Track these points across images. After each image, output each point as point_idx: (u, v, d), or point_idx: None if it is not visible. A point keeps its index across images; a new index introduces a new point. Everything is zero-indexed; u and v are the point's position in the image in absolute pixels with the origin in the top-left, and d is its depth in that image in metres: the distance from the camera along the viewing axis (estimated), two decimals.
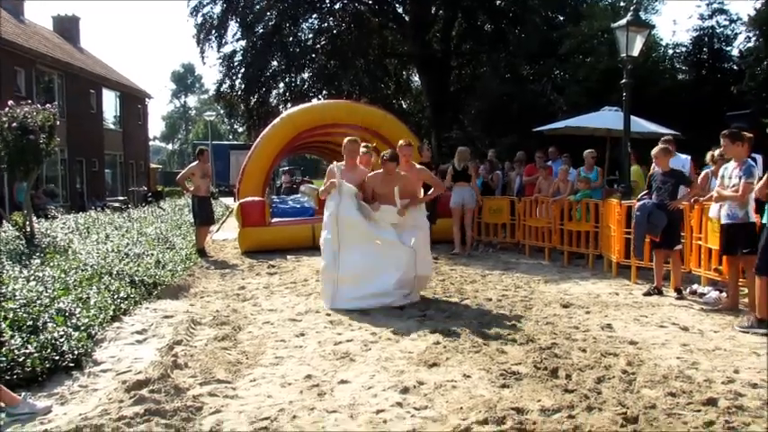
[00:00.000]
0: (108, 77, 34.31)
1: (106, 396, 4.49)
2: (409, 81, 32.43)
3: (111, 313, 6.75)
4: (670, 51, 22.16)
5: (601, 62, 19.21)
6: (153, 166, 47.95)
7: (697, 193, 8.15)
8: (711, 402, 4.19)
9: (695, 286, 8.14)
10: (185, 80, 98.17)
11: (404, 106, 31.26)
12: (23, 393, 4.40)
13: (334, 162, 8.13)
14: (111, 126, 35.57)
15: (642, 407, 4.10)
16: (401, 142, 8.34)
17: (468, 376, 4.85)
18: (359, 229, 7.49)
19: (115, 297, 7.24)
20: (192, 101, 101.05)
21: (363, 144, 8.38)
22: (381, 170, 7.77)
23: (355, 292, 7.35)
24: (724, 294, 7.63)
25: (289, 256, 11.93)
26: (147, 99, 41.12)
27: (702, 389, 4.47)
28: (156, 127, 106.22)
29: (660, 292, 8.03)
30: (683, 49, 22.03)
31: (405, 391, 4.54)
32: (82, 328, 5.77)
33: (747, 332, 6.15)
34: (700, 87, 20.09)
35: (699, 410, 4.07)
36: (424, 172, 8.37)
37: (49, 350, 5.07)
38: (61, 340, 5.27)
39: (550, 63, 21.73)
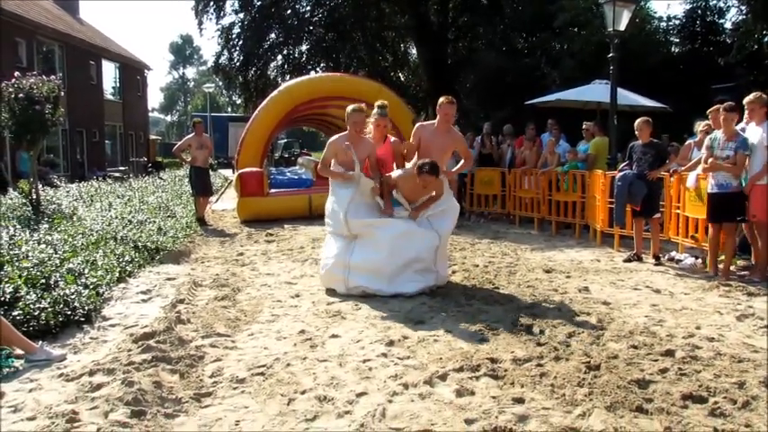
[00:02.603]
0: (107, 48, 34.40)
1: (116, 346, 4.88)
2: (407, 54, 32.51)
3: (117, 275, 7.13)
4: (663, 24, 22.35)
5: (595, 35, 19.40)
6: (152, 137, 48.15)
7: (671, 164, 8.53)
8: (669, 353, 4.60)
9: (673, 253, 8.53)
10: (183, 51, 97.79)
11: (402, 79, 31.40)
12: (40, 342, 4.78)
13: (336, 135, 7.05)
14: (111, 97, 35.72)
15: (605, 357, 4.50)
16: (442, 99, 7.01)
17: (450, 332, 5.25)
18: (368, 228, 6.67)
19: (120, 260, 7.62)
20: (190, 72, 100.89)
21: (379, 104, 7.19)
22: (413, 173, 6.55)
23: (370, 282, 6.55)
24: (699, 260, 8.03)
25: (286, 226, 12.31)
26: (146, 70, 41.19)
27: (663, 342, 4.88)
28: (154, 98, 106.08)
29: (640, 259, 8.43)
30: (677, 22, 22.22)
31: (390, 344, 4.93)
32: (91, 286, 6.16)
33: None
34: (693, 60, 20.33)
35: (656, 360, 4.47)
36: (461, 140, 7.45)
37: (61, 306, 5.46)
38: (72, 297, 5.65)
39: (545, 36, 21.90)
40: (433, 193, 6.77)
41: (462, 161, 7.49)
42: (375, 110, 7.07)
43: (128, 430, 3.39)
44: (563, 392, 3.86)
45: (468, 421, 3.49)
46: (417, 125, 7.06)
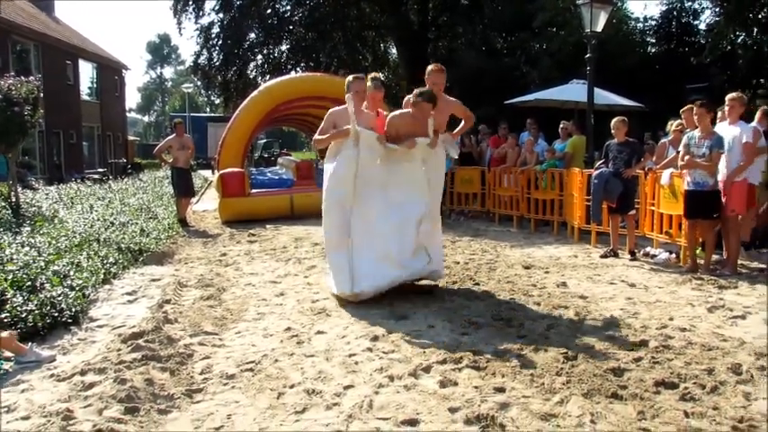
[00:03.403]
0: (84, 48, 34.10)
1: (105, 346, 4.96)
2: (387, 53, 32.66)
3: (102, 276, 7.20)
4: (640, 25, 22.74)
5: (573, 35, 19.69)
6: (131, 138, 47.84)
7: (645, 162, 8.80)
8: (643, 344, 4.80)
9: (648, 248, 8.74)
10: (161, 51, 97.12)
11: (382, 78, 31.48)
12: (29, 344, 4.85)
13: (336, 107, 6.69)
14: (88, 98, 35.45)
15: (582, 348, 4.69)
16: (431, 67, 6.80)
17: (433, 326, 5.41)
18: (379, 188, 6.32)
19: (104, 262, 7.68)
20: (168, 72, 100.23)
21: (372, 76, 6.71)
22: (408, 110, 6.47)
23: (375, 272, 6.21)
24: (673, 255, 8.26)
25: (268, 226, 12.38)
26: (123, 70, 40.92)
27: (638, 333, 5.07)
28: (131, 98, 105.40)
29: (616, 254, 8.64)
30: (653, 23, 22.61)
31: (375, 339, 5.07)
32: (77, 288, 6.22)
33: None
34: (668, 60, 20.72)
35: (631, 350, 4.66)
36: (456, 103, 6.98)
37: (48, 307, 5.52)
38: (59, 299, 5.72)
39: (524, 36, 22.17)
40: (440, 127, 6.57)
41: (462, 123, 7.10)
42: (370, 83, 6.63)
43: (122, 426, 3.49)
44: (542, 381, 4.03)
45: (452, 410, 3.64)
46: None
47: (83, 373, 4.33)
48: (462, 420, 3.52)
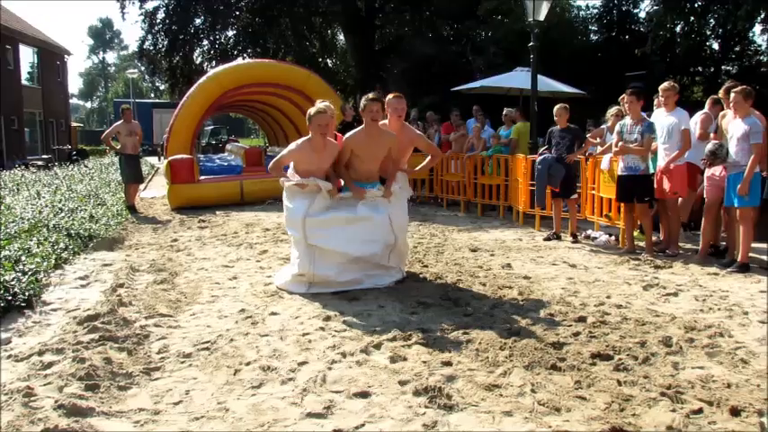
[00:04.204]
0: (24, 32, 33.18)
1: (61, 328, 5.02)
2: (335, 40, 32.65)
3: (54, 262, 7.18)
4: (582, 13, 23.29)
5: (517, 24, 20.08)
6: (74, 124, 46.73)
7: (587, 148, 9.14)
8: (581, 320, 5.10)
9: (589, 231, 9.12)
10: (103, 35, 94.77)
11: (329, 65, 31.52)
12: None
13: (300, 141, 6.31)
14: (29, 83, 34.52)
15: (525, 324, 4.95)
16: (390, 96, 6.49)
17: (383, 307, 5.61)
18: (330, 223, 6.15)
19: (55, 248, 7.66)
20: (111, 57, 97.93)
21: (321, 101, 6.32)
22: (361, 127, 6.26)
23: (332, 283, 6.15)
24: (613, 237, 8.64)
25: (218, 212, 12.41)
26: (65, 55, 39.91)
27: (577, 310, 5.38)
28: (73, 84, 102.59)
29: (559, 237, 8.99)
30: (595, 11, 23.21)
31: (327, 319, 5.25)
32: (29, 273, 6.23)
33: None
34: (610, 48, 21.32)
35: (570, 325, 4.95)
36: (420, 136, 6.94)
37: (1, 291, 5.54)
38: (12, 283, 5.73)
39: (470, 24, 22.49)
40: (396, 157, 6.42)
41: (429, 158, 7.05)
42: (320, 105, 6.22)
43: (84, 402, 3.58)
44: (487, 355, 4.27)
45: (402, 383, 3.85)
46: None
47: (40, 353, 4.40)
48: (411, 392, 3.72)
